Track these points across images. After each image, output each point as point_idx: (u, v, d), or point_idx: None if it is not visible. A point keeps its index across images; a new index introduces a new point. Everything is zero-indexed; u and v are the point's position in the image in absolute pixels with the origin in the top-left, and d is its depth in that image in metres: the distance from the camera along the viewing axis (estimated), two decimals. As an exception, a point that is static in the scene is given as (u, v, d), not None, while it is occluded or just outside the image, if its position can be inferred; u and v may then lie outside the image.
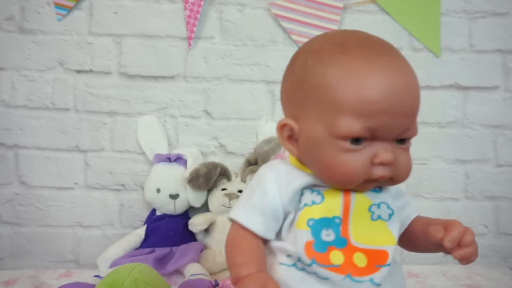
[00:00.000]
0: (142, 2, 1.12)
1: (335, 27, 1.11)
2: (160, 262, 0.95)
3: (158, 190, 1.05)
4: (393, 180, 0.49)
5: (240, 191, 1.05)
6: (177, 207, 1.05)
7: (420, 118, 0.50)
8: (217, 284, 0.86)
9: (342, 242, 0.49)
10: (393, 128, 0.47)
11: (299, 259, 0.49)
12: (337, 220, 0.49)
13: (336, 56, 0.48)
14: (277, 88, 1.12)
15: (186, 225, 1.03)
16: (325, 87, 0.48)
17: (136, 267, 0.76)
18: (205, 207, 1.08)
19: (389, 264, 0.49)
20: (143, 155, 1.12)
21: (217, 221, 1.04)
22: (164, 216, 1.06)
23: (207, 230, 1.05)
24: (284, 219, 0.51)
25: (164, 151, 1.09)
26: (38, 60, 1.11)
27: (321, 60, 0.49)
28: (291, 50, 1.12)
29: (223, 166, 1.06)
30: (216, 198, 1.05)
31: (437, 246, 0.51)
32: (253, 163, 1.07)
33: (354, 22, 1.13)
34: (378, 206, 0.51)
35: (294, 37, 1.12)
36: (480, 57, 1.15)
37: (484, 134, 1.15)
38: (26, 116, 1.11)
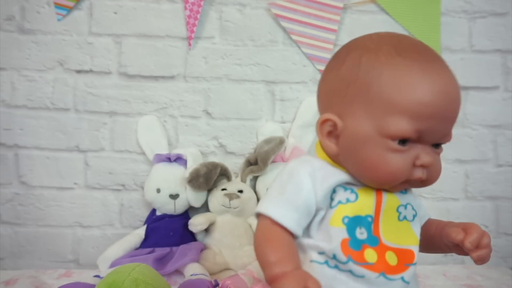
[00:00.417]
0: (142, 2, 1.12)
1: (335, 27, 1.12)
2: (160, 262, 0.95)
3: (158, 190, 1.05)
4: (424, 182, 0.51)
5: (240, 191, 1.05)
6: (177, 207, 1.05)
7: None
8: (217, 284, 0.86)
9: (374, 241, 0.50)
10: (438, 132, 0.49)
11: (333, 257, 0.49)
12: (369, 219, 0.50)
13: (393, 57, 0.49)
14: (277, 88, 1.14)
15: (186, 225, 1.03)
16: (379, 86, 0.48)
17: (136, 267, 0.76)
18: (205, 207, 1.08)
19: (415, 263, 0.51)
20: (143, 155, 1.12)
21: (217, 221, 1.04)
22: (164, 216, 1.06)
23: (207, 230, 1.05)
24: (314, 216, 0.51)
25: (164, 151, 1.09)
26: (38, 60, 1.11)
27: (377, 60, 0.49)
28: (291, 50, 1.14)
29: (223, 166, 1.06)
30: (216, 198, 1.05)
31: (452, 248, 0.54)
32: (253, 163, 1.07)
33: (354, 22, 1.13)
34: (405, 207, 0.53)
35: (294, 37, 1.12)
36: (480, 57, 1.15)
37: (484, 134, 1.15)
38: (26, 116, 1.11)
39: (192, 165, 1.03)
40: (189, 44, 1.12)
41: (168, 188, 1.04)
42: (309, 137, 1.11)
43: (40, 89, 1.11)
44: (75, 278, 0.94)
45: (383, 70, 0.48)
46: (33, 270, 1.02)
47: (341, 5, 1.12)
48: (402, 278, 0.50)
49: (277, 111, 1.14)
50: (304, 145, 1.11)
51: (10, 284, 0.91)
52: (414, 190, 0.57)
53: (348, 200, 0.51)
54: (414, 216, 0.53)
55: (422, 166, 0.49)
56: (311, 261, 0.50)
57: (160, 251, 0.98)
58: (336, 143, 0.52)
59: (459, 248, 0.53)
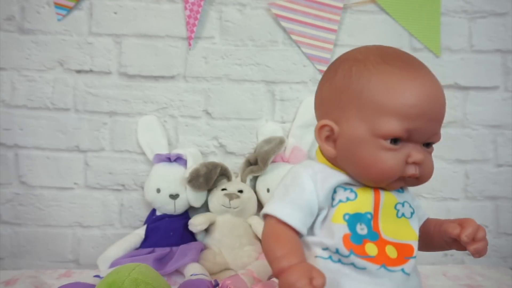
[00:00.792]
0: (142, 2, 1.12)
1: (335, 27, 1.12)
2: (160, 262, 0.95)
3: (158, 190, 1.05)
4: (419, 179, 0.55)
5: (240, 191, 1.05)
6: (177, 207, 1.05)
7: (420, 118, 0.52)
8: (217, 284, 0.86)
9: (374, 236, 0.53)
10: (426, 131, 0.53)
11: (336, 251, 0.53)
12: (369, 216, 0.54)
13: (380, 65, 0.54)
14: (277, 88, 1.14)
15: (186, 225, 1.03)
16: (369, 91, 0.53)
17: (136, 267, 0.76)
18: (205, 207, 1.08)
19: (415, 257, 0.55)
20: (143, 155, 1.12)
21: (217, 221, 1.04)
22: (164, 216, 1.06)
23: (207, 230, 1.05)
24: (317, 215, 0.55)
25: (164, 151, 1.09)
26: (38, 60, 1.11)
27: (366, 68, 0.54)
28: (291, 50, 1.14)
29: (223, 166, 1.06)
30: (216, 198, 1.05)
31: (450, 243, 0.58)
32: (253, 163, 1.07)
33: (354, 22, 1.13)
34: (403, 204, 0.56)
35: (294, 37, 1.12)
36: (480, 57, 1.15)
37: (484, 134, 1.15)
38: (26, 116, 1.11)
39: (192, 165, 1.03)
40: (189, 44, 1.12)
41: (168, 188, 1.04)
42: (309, 137, 1.11)
43: (40, 89, 1.12)
44: (75, 278, 0.94)
45: (372, 77, 0.53)
46: (33, 270, 1.02)
47: (341, 5, 1.12)
48: (403, 270, 0.53)
49: (277, 111, 1.14)
50: (304, 145, 1.11)
51: (10, 284, 0.91)
52: (413, 191, 0.60)
53: (348, 199, 0.54)
54: (412, 213, 0.57)
55: (414, 163, 0.53)
56: (316, 256, 0.54)
57: (160, 251, 0.98)
58: (334, 146, 0.56)
59: (457, 243, 0.56)
